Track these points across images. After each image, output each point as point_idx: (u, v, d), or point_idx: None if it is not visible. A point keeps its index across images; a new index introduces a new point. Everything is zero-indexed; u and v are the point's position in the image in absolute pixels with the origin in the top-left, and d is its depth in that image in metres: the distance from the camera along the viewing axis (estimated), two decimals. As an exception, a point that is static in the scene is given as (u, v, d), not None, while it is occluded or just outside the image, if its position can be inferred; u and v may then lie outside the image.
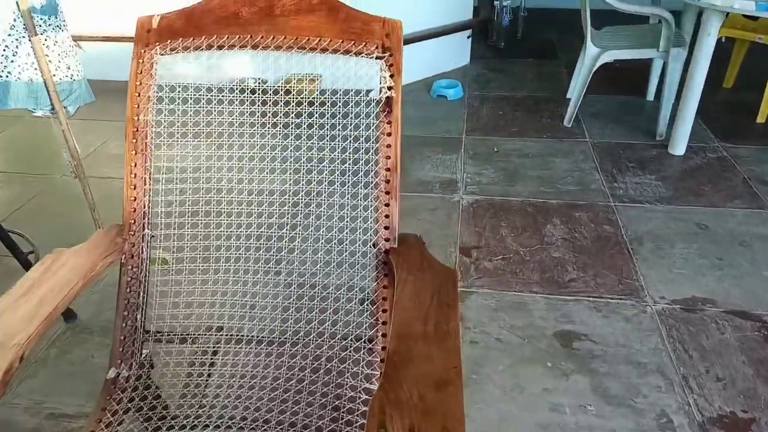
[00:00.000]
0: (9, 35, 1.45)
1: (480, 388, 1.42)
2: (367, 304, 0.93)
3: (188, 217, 0.99)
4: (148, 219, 0.99)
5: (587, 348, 1.53)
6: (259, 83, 0.99)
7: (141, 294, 0.99)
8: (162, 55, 1.00)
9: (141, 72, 1.00)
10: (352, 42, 0.97)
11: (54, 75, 1.55)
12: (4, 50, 1.46)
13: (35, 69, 1.51)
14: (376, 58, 0.97)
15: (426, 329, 0.72)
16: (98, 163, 2.61)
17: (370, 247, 0.95)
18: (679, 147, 2.52)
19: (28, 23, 1.42)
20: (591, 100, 2.96)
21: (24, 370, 1.60)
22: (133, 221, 0.99)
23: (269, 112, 0.99)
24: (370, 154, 0.96)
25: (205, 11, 1.00)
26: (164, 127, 0.98)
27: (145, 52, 1.00)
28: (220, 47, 1.00)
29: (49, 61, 1.52)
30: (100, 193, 1.95)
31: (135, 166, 0.99)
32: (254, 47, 0.99)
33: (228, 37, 1.00)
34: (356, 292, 0.94)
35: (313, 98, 0.98)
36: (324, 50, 0.98)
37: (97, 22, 3.19)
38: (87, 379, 1.58)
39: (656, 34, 2.56)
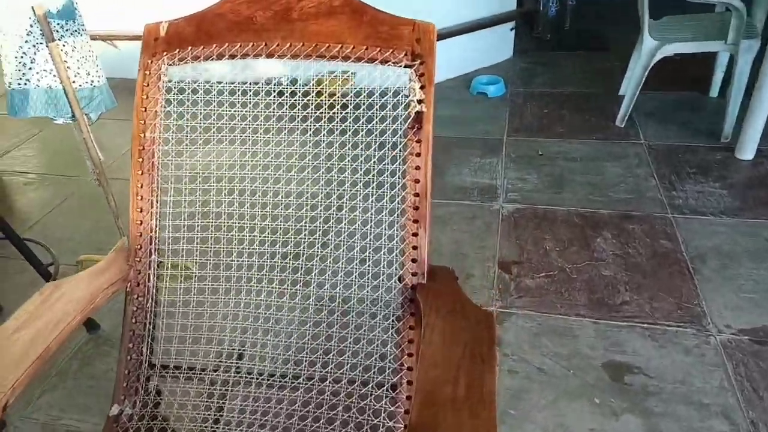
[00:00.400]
0: (26, 41, 1.43)
1: (518, 425, 1.32)
2: (391, 347, 0.84)
3: (197, 231, 0.92)
4: (155, 244, 0.93)
5: (641, 383, 1.41)
6: (286, 86, 0.92)
7: (147, 325, 0.93)
8: (170, 65, 0.93)
9: (148, 84, 0.94)
10: (378, 48, 0.89)
11: (73, 81, 1.52)
12: (22, 57, 1.43)
13: (54, 76, 1.48)
14: (405, 66, 0.88)
15: (456, 393, 0.62)
16: (127, 166, 2.61)
17: (396, 281, 0.86)
18: (747, 151, 2.33)
19: (44, 29, 1.39)
20: (647, 97, 2.77)
21: (44, 381, 1.59)
22: (139, 246, 0.93)
23: (298, 115, 0.91)
24: (396, 176, 0.87)
25: (217, 16, 0.93)
26: (173, 132, 0.92)
27: (152, 62, 0.94)
28: (232, 56, 0.93)
29: (68, 67, 1.49)
30: (128, 197, 1.93)
31: (141, 187, 0.93)
32: (269, 56, 0.92)
33: (241, 45, 0.92)
34: (379, 332, 0.85)
35: (346, 100, 0.90)
36: (346, 58, 0.90)
37: (131, 20, 3.20)
38: (107, 396, 1.55)
39: (723, 25, 2.36)
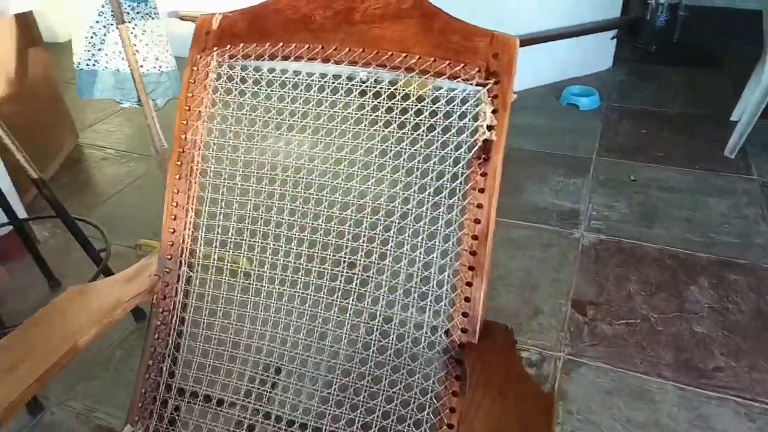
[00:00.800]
0: (97, 22, 1.42)
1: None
2: (428, 414, 0.73)
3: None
4: (185, 256, 0.87)
5: (729, 471, 1.21)
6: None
7: (170, 344, 0.87)
8: (219, 63, 0.86)
9: (194, 81, 0.87)
10: (447, 62, 0.77)
11: (141, 66, 1.50)
12: (92, 37, 1.43)
13: (122, 59, 1.48)
14: (477, 84, 0.76)
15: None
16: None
17: (441, 335, 0.74)
18: None
19: (115, 10, 1.38)
20: (765, 126, 2.46)
21: (87, 368, 1.60)
22: (169, 256, 0.87)
23: (366, 118, 0.81)
24: (453, 213, 0.75)
25: (273, 12, 0.85)
26: (215, 137, 0.85)
27: (201, 57, 0.88)
28: (285, 58, 0.84)
29: (137, 50, 1.47)
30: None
31: (177, 193, 0.87)
32: (325, 60, 0.83)
33: (296, 46, 0.84)
34: (416, 393, 0.74)
35: (419, 105, 0.79)
36: (410, 70, 0.79)
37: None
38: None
39: None
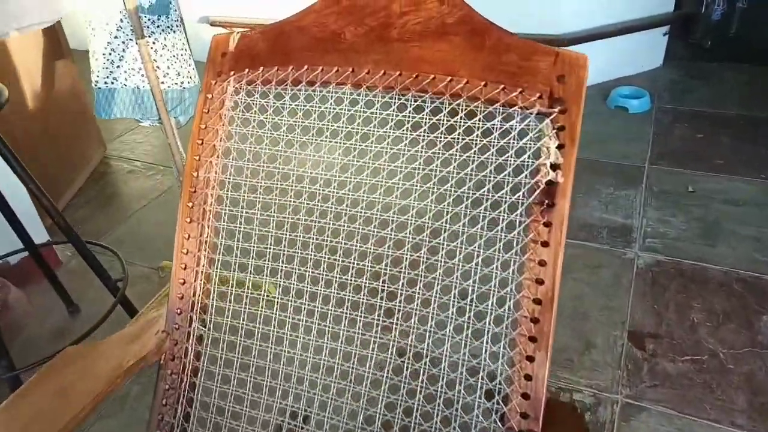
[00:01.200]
0: (116, 37, 1.35)
1: None
2: None
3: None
4: (197, 311, 0.77)
5: None
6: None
7: (179, 411, 0.77)
8: (236, 92, 0.76)
9: (208, 111, 0.77)
10: (501, 87, 0.65)
11: (162, 82, 1.42)
12: (110, 54, 1.36)
13: (142, 75, 1.40)
14: (538, 114, 0.63)
15: None
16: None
17: (495, 422, 0.62)
18: None
19: (134, 24, 1.30)
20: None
21: (104, 406, 1.53)
22: (178, 311, 0.78)
23: (402, 153, 0.70)
24: (509, 271, 0.63)
25: (297, 30, 0.74)
26: (230, 175, 0.75)
27: (216, 83, 0.78)
28: (311, 83, 0.73)
29: (157, 66, 1.39)
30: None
31: (188, 238, 0.77)
32: (356, 86, 0.71)
33: (323, 70, 0.73)
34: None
35: (467, 139, 0.67)
36: (455, 96, 0.67)
37: (257, 6, 3.17)
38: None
39: None
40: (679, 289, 1.67)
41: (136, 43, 1.34)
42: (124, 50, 1.36)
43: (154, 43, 1.36)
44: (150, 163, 2.70)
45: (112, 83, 1.39)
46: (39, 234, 1.73)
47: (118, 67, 1.37)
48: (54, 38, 2.29)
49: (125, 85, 1.40)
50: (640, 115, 2.64)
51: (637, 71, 2.99)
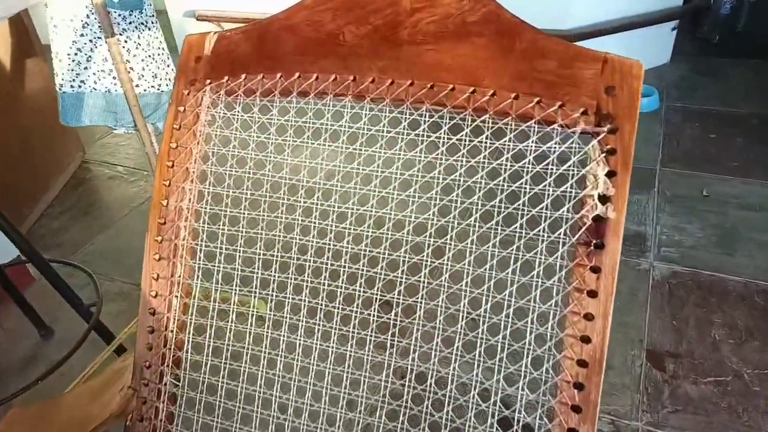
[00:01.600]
0: (82, 35, 1.22)
1: None
2: None
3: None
4: (168, 363, 0.65)
5: None
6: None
7: (148, 482, 0.66)
8: (213, 104, 0.64)
9: (180, 127, 0.65)
10: (535, 100, 0.54)
11: (137, 85, 1.30)
12: (76, 54, 1.23)
13: (114, 78, 1.27)
14: (582, 134, 0.52)
15: None
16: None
17: None
18: None
19: (103, 20, 1.17)
20: None
21: None
22: (147, 364, 0.66)
23: (414, 180, 0.59)
24: (548, 326, 0.52)
25: (286, 30, 0.63)
26: (207, 204, 0.63)
27: (189, 93, 0.66)
28: (303, 94, 0.62)
29: (130, 68, 1.27)
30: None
31: (157, 279, 0.65)
32: (358, 97, 0.60)
33: (318, 78, 0.61)
34: None
35: (494, 163, 0.56)
36: (480, 111, 0.55)
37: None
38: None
39: None
40: (698, 303, 1.57)
41: (106, 42, 1.21)
42: (92, 50, 1.23)
43: (126, 41, 1.24)
44: (133, 168, 2.57)
45: (80, 87, 1.26)
46: (8, 251, 1.60)
47: (85, 68, 1.25)
48: (23, 34, 2.15)
49: (95, 89, 1.27)
50: (649, 114, 2.54)
51: (644, 68, 2.89)
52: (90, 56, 1.24)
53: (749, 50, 3.01)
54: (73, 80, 1.25)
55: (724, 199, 1.98)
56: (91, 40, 1.22)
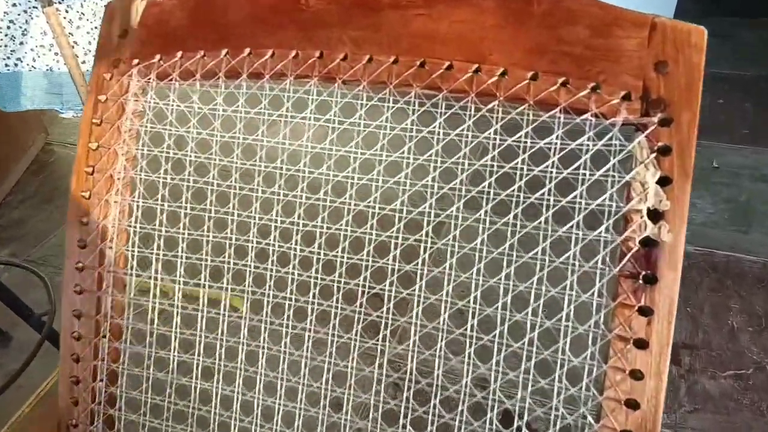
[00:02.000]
0: (14, 5, 1.06)
1: None
2: None
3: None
4: (101, 419, 0.53)
5: None
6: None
7: None
8: (143, 91, 0.50)
9: (101, 122, 0.52)
10: (560, 80, 0.40)
11: (83, 62, 1.14)
12: (8, 28, 1.07)
13: (55, 54, 1.12)
14: (624, 125, 0.39)
15: None
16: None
17: None
18: None
19: (36, -12, 1.01)
20: None
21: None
22: (73, 423, 0.53)
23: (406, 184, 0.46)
24: (583, 385, 0.39)
25: (231, -6, 0.48)
26: (137, 223, 0.50)
27: (111, 78, 0.52)
28: (256, 75, 0.48)
29: (74, 42, 1.11)
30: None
31: (79, 318, 0.52)
32: (326, 79, 0.46)
33: (275, 55, 0.47)
34: None
35: (507, 167, 0.43)
36: (486, 96, 0.42)
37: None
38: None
39: None
40: (714, 286, 1.47)
41: (43, 12, 1.05)
42: (27, 22, 1.07)
43: (67, 11, 1.08)
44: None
45: (16, 65, 1.11)
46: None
47: (21, 44, 1.09)
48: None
49: (33, 67, 1.11)
50: (650, 79, 2.40)
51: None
52: (25, 29, 1.08)
53: (756, 9, 2.87)
54: (8, 57, 1.09)
55: (735, 169, 1.86)
56: (25, 11, 1.06)
